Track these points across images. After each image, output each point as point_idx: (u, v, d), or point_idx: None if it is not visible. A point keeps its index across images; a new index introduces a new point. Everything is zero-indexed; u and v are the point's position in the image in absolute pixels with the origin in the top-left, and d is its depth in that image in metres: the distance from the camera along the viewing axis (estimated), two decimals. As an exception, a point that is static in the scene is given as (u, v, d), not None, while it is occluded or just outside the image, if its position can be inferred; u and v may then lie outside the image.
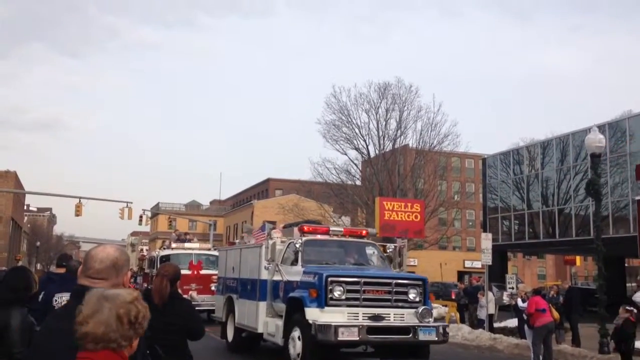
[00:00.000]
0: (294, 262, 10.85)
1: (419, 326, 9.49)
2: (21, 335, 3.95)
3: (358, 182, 37.86)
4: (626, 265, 39.02)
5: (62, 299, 5.60)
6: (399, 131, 35.40)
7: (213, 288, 17.72)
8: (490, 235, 24.75)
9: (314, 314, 9.35)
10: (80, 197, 35.41)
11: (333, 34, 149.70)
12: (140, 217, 42.15)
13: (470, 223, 60.61)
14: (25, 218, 76.37)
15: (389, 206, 23.41)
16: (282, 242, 11.54)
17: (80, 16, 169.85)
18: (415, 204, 25.43)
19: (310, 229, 11.67)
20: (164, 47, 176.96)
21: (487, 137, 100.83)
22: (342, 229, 12.33)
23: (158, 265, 18.71)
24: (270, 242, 11.16)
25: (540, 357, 12.12)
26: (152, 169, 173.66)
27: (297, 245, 10.70)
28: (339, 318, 9.34)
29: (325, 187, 37.48)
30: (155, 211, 65.51)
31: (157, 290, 4.49)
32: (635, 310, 12.25)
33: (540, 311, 12.09)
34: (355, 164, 37.27)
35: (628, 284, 37.51)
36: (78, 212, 35.05)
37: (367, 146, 35.69)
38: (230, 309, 13.43)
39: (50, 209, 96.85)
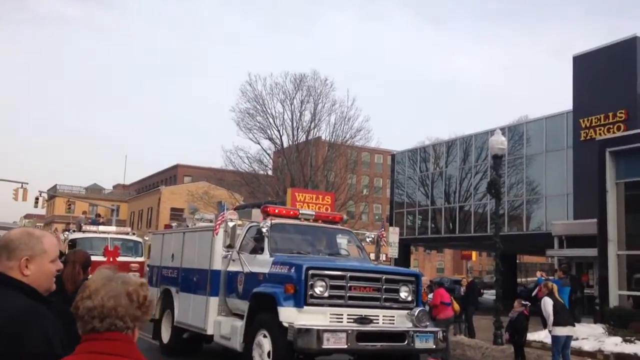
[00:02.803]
0: (257, 250, 9.00)
1: (415, 331, 7.93)
2: None
3: (270, 172, 37.43)
4: (517, 261, 41.87)
5: None
6: (312, 123, 34.93)
7: (132, 277, 16.76)
8: (398, 230, 25.34)
9: (290, 315, 7.56)
10: (-32, 175, 33.06)
11: (253, 23, 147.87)
12: (37, 199, 39.26)
13: (377, 217, 62.07)
14: None
15: (300, 197, 23.21)
16: (238, 225, 9.49)
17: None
18: (326, 196, 25.37)
19: (276, 211, 9.67)
20: (73, 22, 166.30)
21: (397, 134, 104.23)
22: (314, 213, 10.29)
23: (67, 250, 16.57)
24: (230, 224, 8.95)
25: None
26: (51, 148, 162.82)
27: (264, 230, 8.75)
28: (321, 320, 7.62)
29: (236, 175, 36.32)
30: (53, 193, 61.66)
31: (69, 278, 4.36)
32: (529, 304, 13.18)
33: (445, 304, 12.18)
34: (268, 154, 36.36)
35: (518, 279, 40.29)
36: (-35, 191, 32.56)
37: (280, 137, 35.06)
38: (166, 304, 11.16)
39: None
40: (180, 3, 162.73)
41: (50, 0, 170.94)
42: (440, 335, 8.29)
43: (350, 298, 7.90)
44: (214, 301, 9.48)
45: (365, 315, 7.88)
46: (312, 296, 7.69)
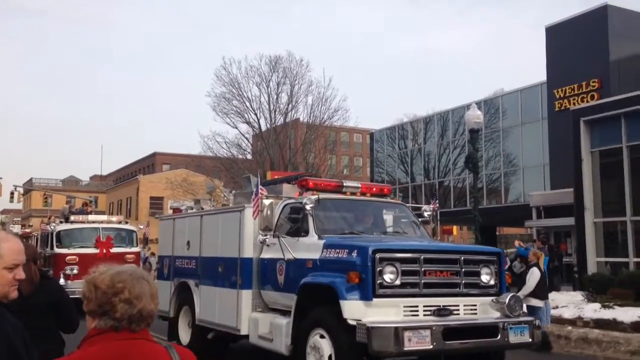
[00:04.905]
0: (298, 232, 7.46)
1: (508, 322, 6.44)
2: None
3: (249, 156, 36.77)
4: (497, 233, 42.49)
5: None
6: (290, 105, 34.05)
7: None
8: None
9: (356, 310, 6.10)
10: (-62, 173, 32.19)
11: (228, 6, 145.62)
12: (12, 193, 38.03)
13: (358, 196, 62.51)
14: None
15: (280, 180, 23.59)
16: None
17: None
18: (306, 177, 25.97)
19: (314, 184, 8.06)
20: (46, 13, 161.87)
21: (375, 113, 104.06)
22: (360, 185, 8.58)
23: (55, 244, 15.67)
24: (266, 202, 7.46)
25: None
26: (24, 141, 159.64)
27: (308, 207, 7.17)
28: (394, 315, 6.18)
29: (215, 161, 35.44)
30: (29, 187, 60.58)
31: (27, 279, 3.94)
32: (511, 274, 13.41)
33: None
34: (247, 138, 35.39)
35: (499, 250, 40.86)
36: (-63, 189, 31.80)
37: (258, 120, 34.16)
38: (183, 300, 9.62)
39: None
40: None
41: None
42: (537, 323, 6.90)
43: (426, 285, 6.43)
44: (246, 295, 7.93)
45: (443, 306, 6.47)
46: (381, 285, 6.20)
